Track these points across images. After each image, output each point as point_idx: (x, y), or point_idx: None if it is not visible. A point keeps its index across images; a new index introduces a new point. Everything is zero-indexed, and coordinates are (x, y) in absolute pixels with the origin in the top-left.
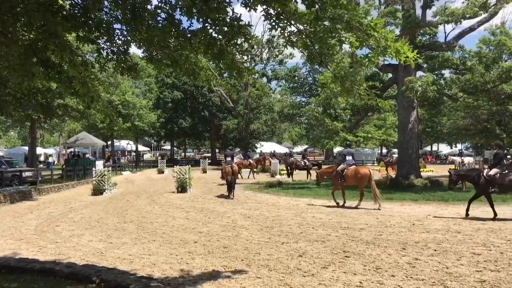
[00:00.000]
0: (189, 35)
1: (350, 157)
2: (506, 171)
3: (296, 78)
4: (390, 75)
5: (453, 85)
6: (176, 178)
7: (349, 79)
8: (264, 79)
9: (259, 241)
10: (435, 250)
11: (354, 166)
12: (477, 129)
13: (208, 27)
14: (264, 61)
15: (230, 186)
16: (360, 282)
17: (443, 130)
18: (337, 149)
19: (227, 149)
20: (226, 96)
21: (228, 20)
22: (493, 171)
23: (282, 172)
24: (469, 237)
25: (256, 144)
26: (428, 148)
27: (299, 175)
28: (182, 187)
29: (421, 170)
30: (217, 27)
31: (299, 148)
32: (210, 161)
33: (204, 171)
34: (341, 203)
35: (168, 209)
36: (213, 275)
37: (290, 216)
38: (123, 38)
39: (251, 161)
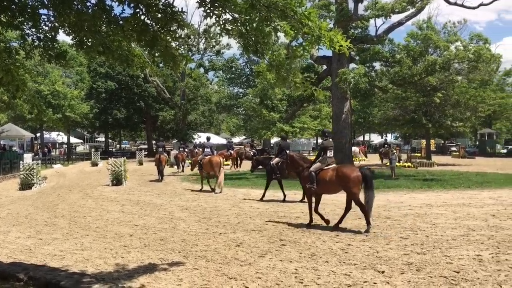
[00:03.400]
0: (121, 21)
1: (209, 149)
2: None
3: (233, 69)
4: (324, 67)
5: (383, 77)
6: (110, 171)
7: (284, 67)
8: (201, 70)
9: (196, 233)
10: (367, 236)
11: (210, 156)
12: (405, 120)
13: (140, 13)
14: (201, 52)
15: (159, 172)
16: (296, 269)
17: (374, 121)
18: (274, 140)
19: (159, 141)
20: (162, 87)
21: (161, 6)
22: (275, 160)
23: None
24: (397, 223)
25: (193, 135)
26: (360, 138)
27: (247, 165)
28: (117, 180)
29: (354, 159)
30: (150, 13)
31: (236, 139)
32: (146, 153)
33: (141, 163)
34: (207, 188)
35: (102, 203)
36: (150, 268)
37: (228, 207)
38: (50, 24)
39: (232, 151)
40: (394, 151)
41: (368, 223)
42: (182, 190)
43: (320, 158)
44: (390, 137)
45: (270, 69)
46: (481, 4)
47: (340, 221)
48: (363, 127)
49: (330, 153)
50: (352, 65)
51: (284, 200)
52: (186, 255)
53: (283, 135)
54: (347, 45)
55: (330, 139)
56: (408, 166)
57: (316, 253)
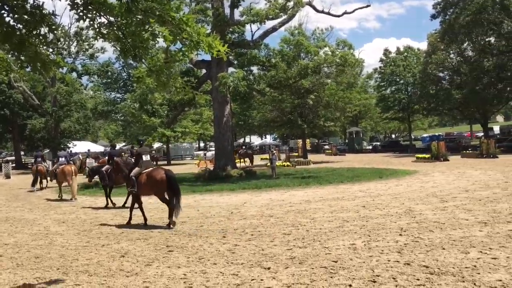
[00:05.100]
0: None
1: (63, 159)
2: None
3: (110, 73)
4: (204, 71)
5: (261, 80)
6: None
7: (164, 72)
8: (74, 74)
9: (76, 246)
10: (252, 235)
11: (64, 165)
12: (282, 121)
13: (5, 15)
14: (73, 55)
15: (35, 181)
16: (184, 274)
17: (254, 123)
18: (156, 145)
19: (38, 151)
20: (30, 93)
21: (28, 7)
22: (105, 167)
23: None
24: (280, 220)
25: (68, 144)
26: (241, 140)
27: None
28: None
29: (236, 161)
30: (16, 15)
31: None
32: (14, 165)
33: (8, 177)
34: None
35: None
36: None
37: (110, 217)
38: None
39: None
40: (274, 151)
41: (170, 216)
42: (57, 203)
43: (138, 163)
44: (269, 138)
45: (149, 74)
46: (345, 13)
47: (170, 216)
48: (243, 130)
49: (145, 157)
50: (231, 69)
51: (105, 207)
52: (65, 271)
53: (113, 143)
54: (224, 50)
55: (145, 146)
56: (287, 165)
57: (204, 256)
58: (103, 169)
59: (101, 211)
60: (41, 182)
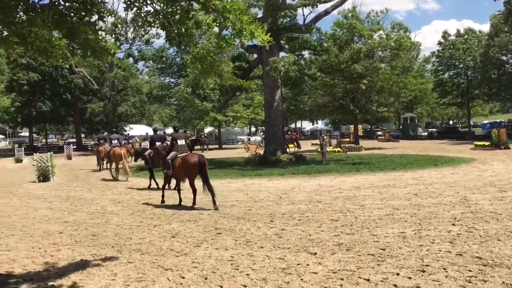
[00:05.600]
0: (39, 9)
1: (116, 141)
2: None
3: (164, 58)
4: (255, 55)
5: (312, 65)
6: (36, 167)
7: (208, 60)
8: (131, 60)
9: (130, 226)
10: (299, 220)
11: (117, 147)
12: (334, 106)
13: (57, 3)
14: (130, 41)
15: (99, 162)
16: (232, 256)
17: (305, 108)
18: (207, 129)
19: (100, 133)
20: (89, 78)
21: None
22: (148, 151)
23: None
24: (328, 206)
25: (125, 127)
26: (292, 125)
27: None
28: (44, 176)
29: (286, 146)
30: (67, 3)
31: (169, 130)
32: (75, 146)
33: (69, 158)
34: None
35: (29, 200)
36: (82, 265)
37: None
38: None
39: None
40: (325, 137)
41: (193, 203)
42: (114, 184)
43: (173, 147)
44: (320, 124)
45: (193, 62)
46: None
47: (193, 203)
48: (295, 115)
49: (180, 142)
50: (282, 54)
51: (157, 189)
52: (120, 249)
53: (155, 128)
54: (267, 39)
55: (180, 131)
56: (338, 151)
57: (251, 240)
58: (146, 153)
59: (154, 193)
60: (101, 163)
